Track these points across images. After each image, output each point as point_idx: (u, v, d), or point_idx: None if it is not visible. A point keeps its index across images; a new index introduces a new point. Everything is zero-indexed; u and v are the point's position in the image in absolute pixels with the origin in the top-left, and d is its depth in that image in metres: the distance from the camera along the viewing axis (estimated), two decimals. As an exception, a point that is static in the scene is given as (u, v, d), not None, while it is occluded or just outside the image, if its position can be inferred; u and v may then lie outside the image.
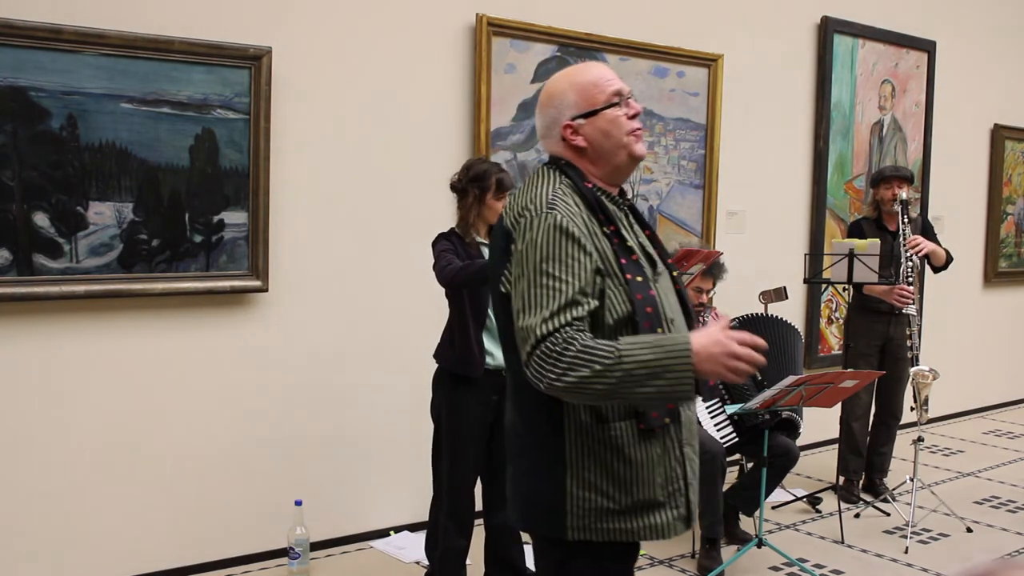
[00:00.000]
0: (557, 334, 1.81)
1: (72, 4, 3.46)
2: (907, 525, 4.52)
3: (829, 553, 4.29)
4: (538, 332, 1.83)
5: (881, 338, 4.97)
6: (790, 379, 3.73)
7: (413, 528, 4.36)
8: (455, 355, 3.41)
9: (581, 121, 2.02)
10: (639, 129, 2.05)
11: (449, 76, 4.39)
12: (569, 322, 1.83)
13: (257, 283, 3.90)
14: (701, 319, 4.09)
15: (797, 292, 5.66)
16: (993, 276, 7.25)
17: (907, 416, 5.07)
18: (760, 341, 1.87)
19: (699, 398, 2.33)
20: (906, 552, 4.31)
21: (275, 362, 4.02)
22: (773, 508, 4.82)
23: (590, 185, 2.02)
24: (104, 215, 3.56)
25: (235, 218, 3.83)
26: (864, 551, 4.33)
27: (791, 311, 5.33)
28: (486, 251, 3.44)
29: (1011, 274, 7.41)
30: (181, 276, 3.74)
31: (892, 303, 4.76)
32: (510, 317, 1.94)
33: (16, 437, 3.51)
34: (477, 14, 4.39)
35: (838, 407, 4.83)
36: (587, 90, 2.02)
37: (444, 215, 4.34)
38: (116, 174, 3.57)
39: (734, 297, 4.86)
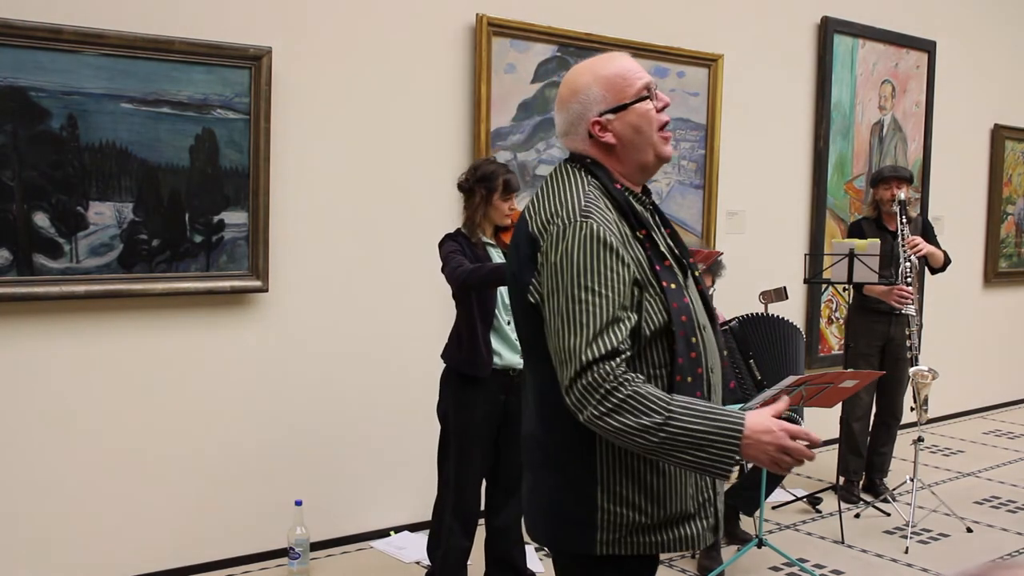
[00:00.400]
0: (606, 365, 1.72)
1: (72, 4, 3.46)
2: (907, 525, 4.52)
3: (829, 553, 4.29)
4: (584, 357, 1.73)
5: (882, 338, 4.97)
6: (790, 379, 3.72)
7: (413, 528, 4.36)
8: (463, 355, 3.42)
9: (610, 116, 1.90)
10: (667, 123, 1.95)
11: (449, 76, 4.39)
12: (616, 348, 1.74)
13: (257, 283, 3.90)
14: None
15: (797, 292, 5.66)
16: (993, 276, 7.25)
17: (907, 416, 5.07)
18: (815, 437, 1.79)
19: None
20: (906, 552, 4.31)
21: (275, 362, 4.02)
22: (773, 508, 4.82)
23: (619, 187, 1.90)
24: (104, 215, 3.56)
25: (235, 218, 3.83)
26: (864, 551, 4.33)
27: (791, 311, 5.33)
28: (492, 252, 3.45)
29: (1011, 274, 7.41)
30: (181, 276, 3.73)
31: (891, 303, 4.76)
32: (536, 327, 1.86)
33: (16, 437, 3.51)
34: (477, 14, 4.39)
35: (838, 407, 4.83)
36: (615, 83, 1.90)
37: (444, 215, 4.35)
38: (116, 174, 3.57)
39: (734, 297, 4.86)
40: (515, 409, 3.39)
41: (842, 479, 5.00)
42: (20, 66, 3.36)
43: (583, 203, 1.83)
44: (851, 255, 4.52)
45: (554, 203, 1.86)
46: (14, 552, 3.52)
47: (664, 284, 1.84)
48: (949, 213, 6.75)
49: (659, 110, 1.93)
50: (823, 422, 5.58)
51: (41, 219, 3.45)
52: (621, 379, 1.72)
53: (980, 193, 7.15)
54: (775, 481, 4.28)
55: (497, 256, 3.44)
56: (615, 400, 1.71)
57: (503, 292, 3.43)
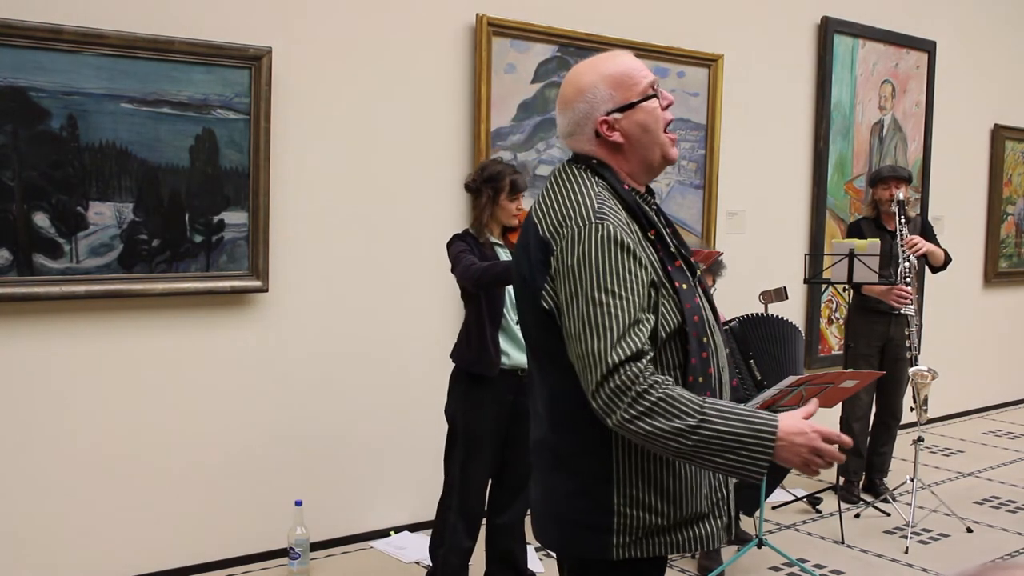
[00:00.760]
0: (633, 367, 1.70)
1: (72, 4, 3.46)
2: (907, 525, 4.52)
3: (829, 553, 4.29)
4: (609, 360, 1.70)
5: (881, 339, 4.97)
6: (790, 379, 3.71)
7: (413, 528, 4.36)
8: (471, 354, 3.43)
9: (617, 115, 1.87)
10: (671, 122, 1.93)
11: (449, 76, 4.38)
12: (641, 349, 1.71)
13: (257, 283, 3.90)
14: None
15: (797, 292, 5.66)
16: (993, 276, 7.25)
17: (907, 416, 5.07)
18: (847, 440, 1.78)
19: None
20: (906, 552, 4.31)
21: (275, 362, 4.02)
22: (773, 508, 4.83)
23: (627, 187, 1.88)
24: (104, 215, 3.56)
25: (235, 218, 3.83)
26: (864, 551, 4.33)
27: (791, 311, 5.33)
28: (500, 252, 3.46)
29: (1011, 274, 7.41)
30: (181, 276, 3.73)
31: (891, 303, 4.76)
32: (548, 331, 1.83)
33: (16, 437, 3.51)
34: (477, 14, 4.39)
35: (838, 407, 4.83)
36: (622, 82, 1.87)
37: (445, 215, 4.35)
38: (116, 174, 3.57)
39: (734, 297, 4.85)
40: (523, 409, 3.39)
41: (842, 479, 5.00)
42: (20, 66, 3.36)
43: (596, 205, 1.80)
44: (851, 255, 4.52)
45: (565, 205, 1.83)
46: (14, 552, 3.52)
47: (677, 285, 1.82)
48: (949, 213, 6.75)
49: (664, 108, 1.91)
50: (823, 422, 5.58)
51: (41, 219, 3.45)
52: (651, 381, 1.70)
53: (980, 193, 7.15)
54: (775, 481, 4.28)
55: (505, 256, 3.45)
56: (646, 403, 1.69)
57: (511, 291, 3.43)
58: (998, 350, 7.35)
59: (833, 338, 6.16)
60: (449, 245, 3.46)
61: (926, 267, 5.09)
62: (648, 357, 1.73)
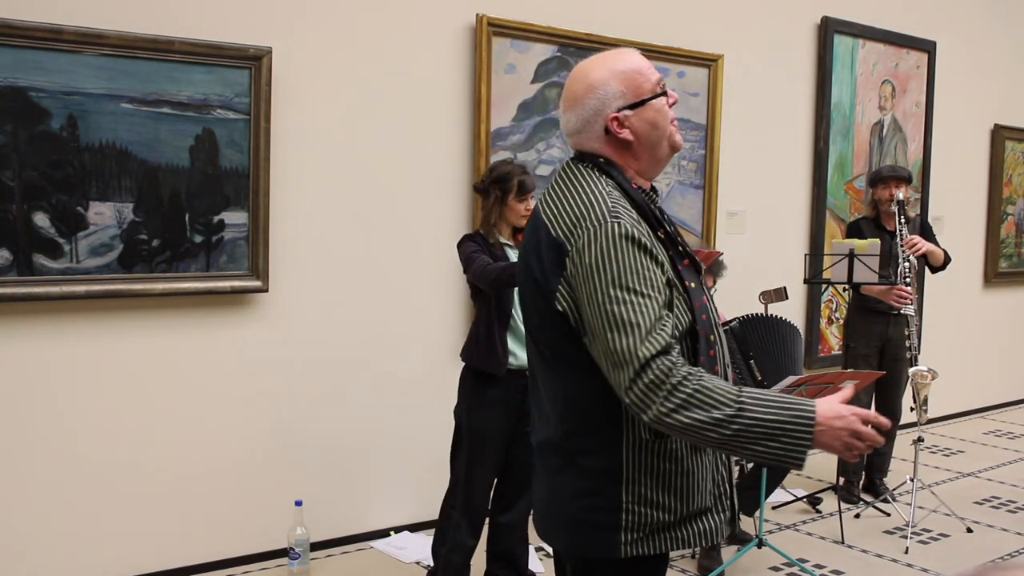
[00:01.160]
0: (665, 360, 1.69)
1: (72, 4, 3.46)
2: (907, 525, 4.52)
3: (829, 553, 4.29)
4: (641, 355, 1.68)
5: (880, 339, 4.97)
6: (790, 379, 3.72)
7: (413, 528, 4.36)
8: (480, 353, 3.44)
9: (628, 112, 1.86)
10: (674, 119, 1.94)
11: (449, 76, 4.38)
12: (669, 343, 1.71)
13: (257, 283, 3.90)
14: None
15: (797, 292, 5.66)
16: (993, 276, 7.25)
17: (907, 416, 5.07)
18: (884, 421, 1.76)
19: None
20: (906, 552, 4.31)
21: (275, 362, 4.02)
22: (773, 508, 4.83)
23: (635, 186, 1.87)
24: (104, 215, 3.56)
25: (235, 218, 3.83)
26: (864, 551, 4.33)
27: (791, 311, 5.33)
28: (510, 252, 3.47)
29: (1011, 274, 7.41)
30: (181, 276, 3.73)
31: (890, 303, 4.76)
32: (560, 334, 1.82)
33: (16, 437, 3.51)
34: (477, 14, 4.39)
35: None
36: (633, 78, 1.86)
37: (444, 215, 4.36)
38: (116, 174, 3.57)
39: (734, 297, 4.85)
40: (530, 409, 3.41)
41: (842, 479, 5.00)
42: (20, 66, 3.36)
43: (610, 203, 1.79)
44: (851, 255, 4.52)
45: (577, 205, 1.82)
46: (15, 552, 3.52)
47: (687, 283, 1.82)
48: (949, 213, 6.75)
49: (670, 106, 1.92)
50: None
51: (41, 219, 3.45)
52: (684, 372, 1.69)
53: (980, 193, 7.15)
54: (775, 481, 4.28)
55: (515, 256, 3.45)
56: (682, 395, 1.68)
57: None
58: (998, 350, 7.35)
59: (833, 338, 6.16)
60: (460, 246, 3.48)
61: (926, 267, 5.09)
62: (676, 351, 1.73)
